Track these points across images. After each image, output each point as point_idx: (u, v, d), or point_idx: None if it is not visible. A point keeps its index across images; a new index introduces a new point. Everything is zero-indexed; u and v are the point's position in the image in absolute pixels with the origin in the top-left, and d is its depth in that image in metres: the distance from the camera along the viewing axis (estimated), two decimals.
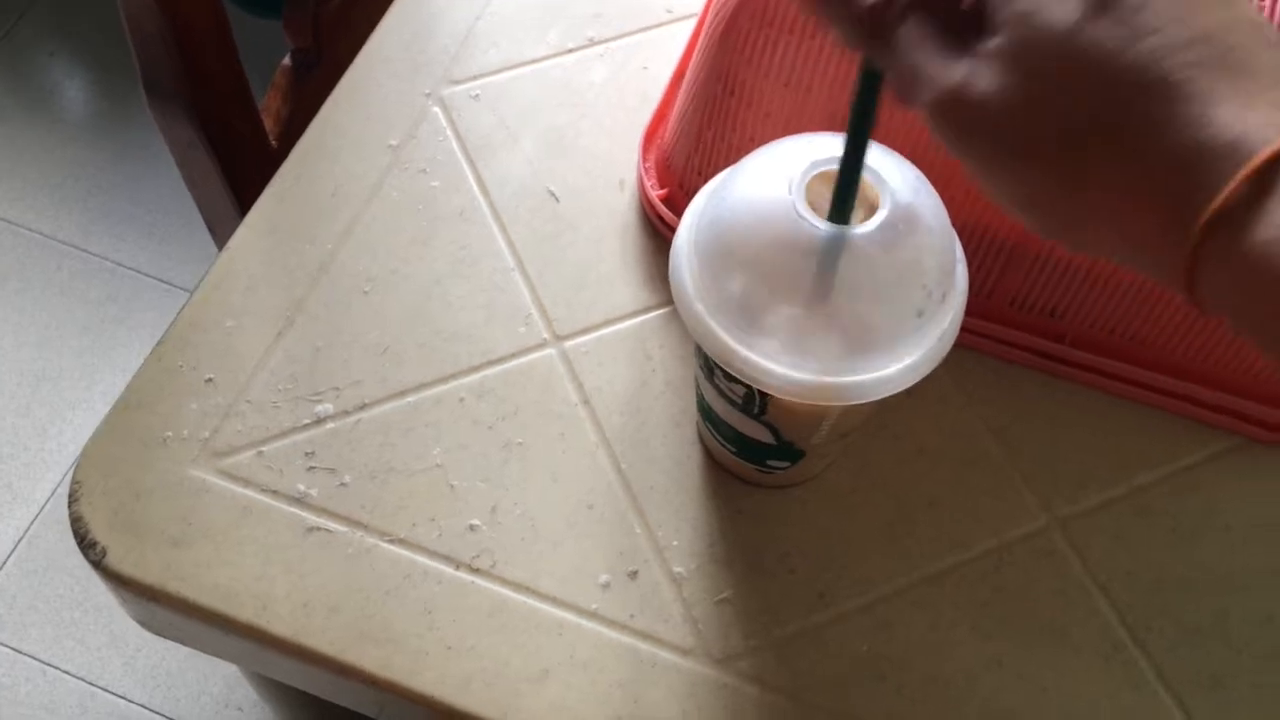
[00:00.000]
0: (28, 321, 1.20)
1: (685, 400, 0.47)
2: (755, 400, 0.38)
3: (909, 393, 0.36)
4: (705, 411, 0.43)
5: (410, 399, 0.47)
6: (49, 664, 1.03)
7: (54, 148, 1.30)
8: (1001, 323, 0.47)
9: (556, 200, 0.51)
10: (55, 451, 1.12)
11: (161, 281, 1.22)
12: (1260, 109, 0.23)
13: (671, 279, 0.37)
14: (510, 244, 0.50)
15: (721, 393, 0.40)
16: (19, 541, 1.08)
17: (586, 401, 0.47)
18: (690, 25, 0.54)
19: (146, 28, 0.56)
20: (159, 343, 0.47)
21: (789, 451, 0.41)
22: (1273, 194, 0.23)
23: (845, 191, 0.33)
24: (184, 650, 1.02)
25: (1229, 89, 0.23)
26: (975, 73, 0.26)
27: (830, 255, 0.33)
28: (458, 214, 0.51)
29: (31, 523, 1.09)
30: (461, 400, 0.47)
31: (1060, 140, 0.25)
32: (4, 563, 1.07)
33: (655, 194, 0.50)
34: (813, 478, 0.45)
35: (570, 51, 0.56)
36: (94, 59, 1.37)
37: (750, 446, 0.42)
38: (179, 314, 0.48)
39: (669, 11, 0.56)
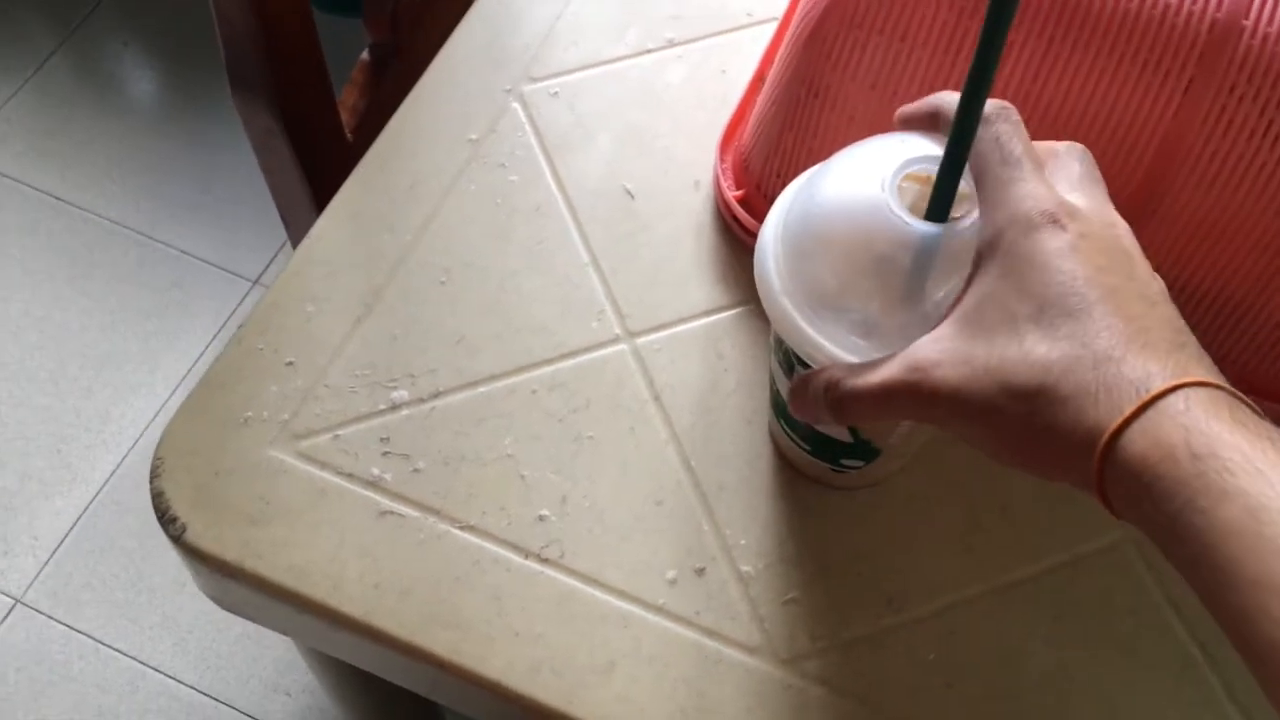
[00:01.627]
0: (94, 306, 1.22)
1: (756, 400, 0.47)
2: None
3: None
4: (780, 408, 0.43)
5: (483, 389, 0.47)
6: (102, 642, 1.04)
7: (124, 137, 1.33)
8: None
9: (632, 198, 0.52)
10: (116, 434, 1.14)
11: (225, 270, 1.24)
12: (1164, 361, 0.29)
13: (757, 272, 0.37)
14: (585, 240, 0.51)
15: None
16: (77, 520, 1.10)
17: (657, 398, 0.47)
18: (771, 29, 0.55)
19: (236, 23, 0.57)
20: (241, 325, 0.48)
21: (865, 450, 0.41)
22: (1148, 413, 0.28)
23: (946, 189, 0.33)
24: (234, 633, 1.03)
25: (1140, 351, 0.29)
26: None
27: (925, 253, 0.33)
28: (534, 209, 0.51)
29: (90, 503, 1.11)
30: (534, 392, 0.47)
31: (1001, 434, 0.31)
32: (62, 541, 1.09)
33: (731, 195, 0.50)
34: (884, 480, 0.45)
35: (649, 52, 0.56)
36: (165, 51, 1.40)
37: (826, 445, 0.42)
38: (262, 299, 0.49)
39: (749, 15, 0.57)
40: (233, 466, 0.45)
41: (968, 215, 0.34)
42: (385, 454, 0.45)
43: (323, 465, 0.45)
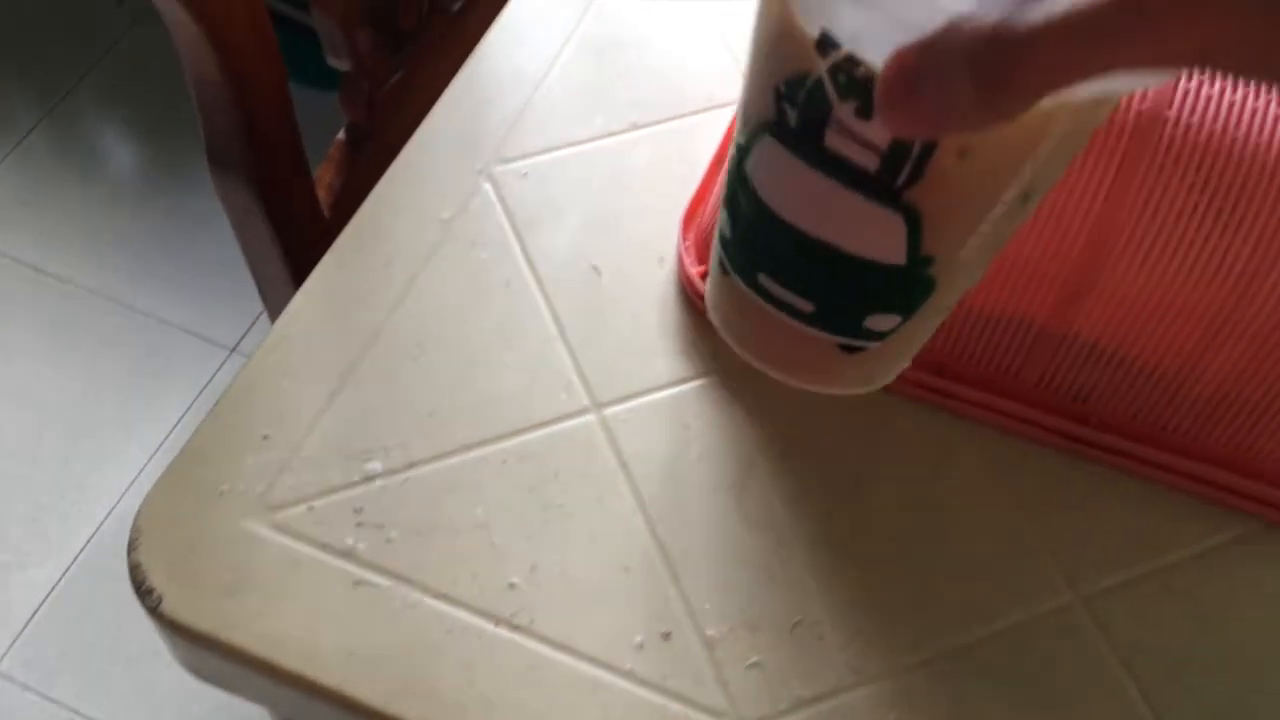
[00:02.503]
0: (71, 375, 1.23)
1: (720, 468, 0.49)
2: (911, 146, 0.24)
3: (937, 471, 0.38)
4: (760, 246, 0.28)
5: (455, 460, 0.48)
6: (77, 711, 1.04)
7: (103, 208, 1.35)
8: (1029, 404, 0.49)
9: (599, 274, 0.54)
10: (92, 503, 1.14)
11: (202, 338, 1.26)
12: None
13: None
14: (554, 314, 0.53)
15: (830, 160, 0.25)
16: (52, 589, 1.10)
17: (625, 467, 0.49)
18: (730, 112, 0.57)
19: (215, 103, 0.59)
20: (219, 400, 0.49)
21: (916, 279, 0.27)
22: None
23: None
24: (210, 703, 1.03)
25: None
26: None
27: None
28: (504, 285, 0.53)
29: (66, 572, 1.11)
30: (504, 462, 0.48)
31: None
32: (37, 610, 1.09)
33: (694, 270, 0.52)
34: (897, 370, 0.32)
35: (615, 135, 0.58)
36: (147, 124, 1.42)
37: (845, 290, 0.28)
38: (238, 374, 0.50)
39: (709, 99, 0.59)
40: (209, 538, 0.46)
41: None
42: (359, 524, 0.47)
43: (297, 536, 0.46)
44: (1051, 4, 0.19)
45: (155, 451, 1.16)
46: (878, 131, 0.24)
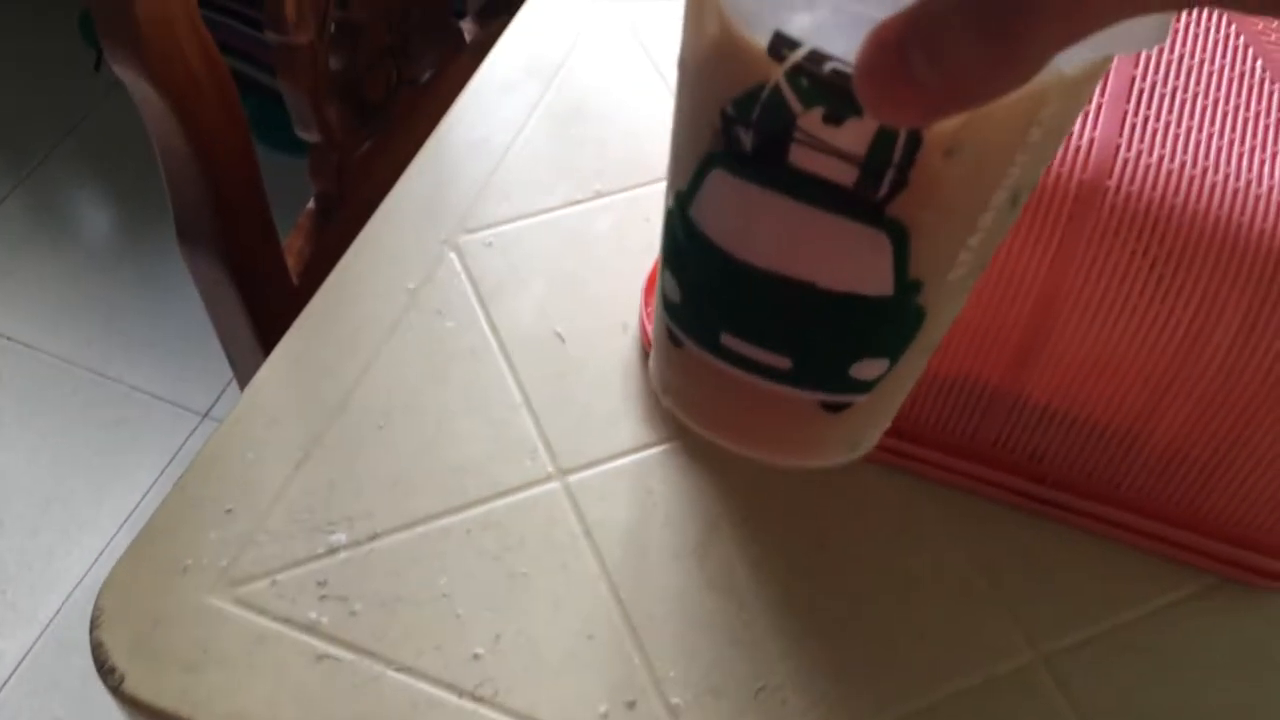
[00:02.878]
0: (41, 444, 1.22)
1: (683, 533, 0.49)
2: (892, 150, 0.21)
3: (898, 532, 0.38)
4: (719, 303, 0.25)
5: (420, 529, 0.49)
6: None
7: (76, 275, 1.35)
8: (986, 464, 0.49)
9: (563, 341, 0.54)
10: (61, 573, 1.13)
11: (174, 404, 1.25)
12: None
13: None
14: (519, 382, 0.53)
15: (798, 180, 0.22)
16: (21, 661, 1.08)
17: (588, 534, 0.49)
18: None
19: (184, 177, 0.60)
20: (183, 474, 0.49)
21: (905, 311, 0.24)
22: None
23: None
24: None
25: None
26: None
27: None
28: (469, 353, 0.54)
29: (34, 644, 1.09)
30: (469, 531, 0.49)
31: None
32: (5, 682, 1.07)
33: None
34: (876, 435, 0.29)
35: (578, 203, 0.59)
36: (120, 191, 1.43)
37: (826, 336, 0.25)
38: (204, 447, 0.50)
39: None
40: (172, 614, 0.46)
41: None
42: (322, 597, 0.47)
43: (260, 611, 0.46)
44: None
45: (126, 519, 1.15)
46: (852, 137, 0.21)
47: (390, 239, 0.58)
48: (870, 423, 0.29)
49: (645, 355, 0.54)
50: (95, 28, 0.56)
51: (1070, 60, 0.18)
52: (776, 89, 0.21)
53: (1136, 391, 0.45)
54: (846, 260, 0.23)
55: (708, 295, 0.26)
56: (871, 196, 0.22)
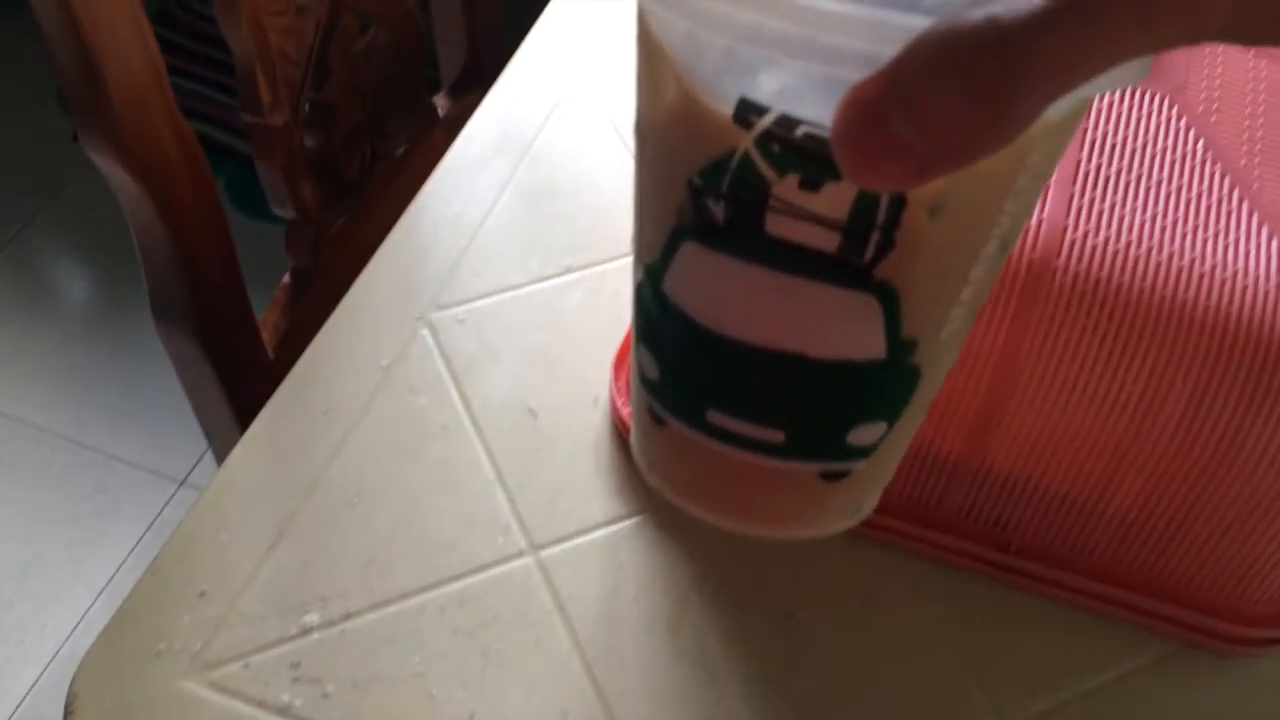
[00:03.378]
0: (17, 513, 1.21)
1: (655, 606, 0.49)
2: (875, 213, 0.20)
3: (866, 599, 0.39)
4: (703, 379, 0.24)
5: (394, 608, 0.49)
6: None
7: (54, 344, 1.35)
8: (951, 532, 0.50)
9: (535, 416, 0.55)
10: (37, 645, 1.12)
11: (151, 472, 1.25)
12: None
13: None
14: (491, 458, 0.54)
15: (777, 250, 0.21)
16: None
17: (561, 609, 0.49)
18: None
19: (159, 256, 0.61)
20: (156, 556, 0.50)
21: (900, 372, 0.24)
22: None
23: None
24: None
25: None
26: None
27: None
28: (442, 430, 0.55)
29: (10, 717, 1.08)
30: (442, 609, 0.49)
31: None
32: None
33: (625, 411, 0.54)
34: (877, 499, 0.29)
35: (549, 278, 0.61)
36: (97, 261, 1.43)
37: (819, 406, 0.23)
38: (177, 528, 0.51)
39: None
40: (145, 700, 0.46)
41: None
42: (295, 680, 0.47)
43: (234, 695, 0.46)
44: None
45: (102, 589, 1.14)
46: (831, 202, 0.20)
47: (364, 317, 0.59)
48: (871, 486, 0.28)
49: (615, 429, 0.55)
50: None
51: (1057, 107, 0.17)
52: (746, 157, 0.20)
53: (1094, 462, 0.46)
54: (836, 327, 0.22)
55: (689, 372, 0.24)
56: (857, 261, 0.21)
